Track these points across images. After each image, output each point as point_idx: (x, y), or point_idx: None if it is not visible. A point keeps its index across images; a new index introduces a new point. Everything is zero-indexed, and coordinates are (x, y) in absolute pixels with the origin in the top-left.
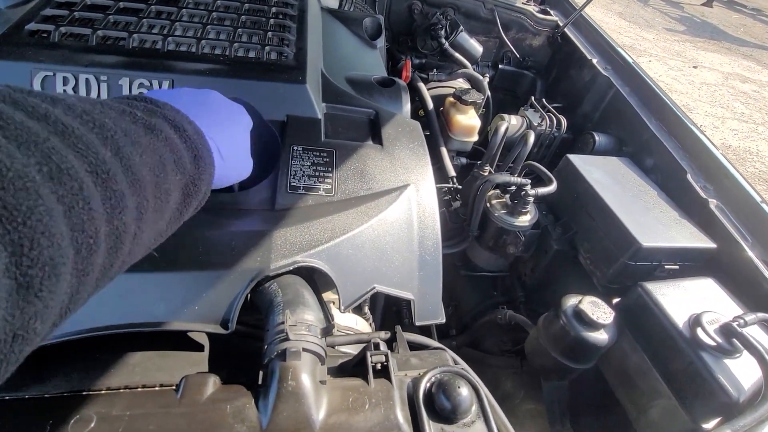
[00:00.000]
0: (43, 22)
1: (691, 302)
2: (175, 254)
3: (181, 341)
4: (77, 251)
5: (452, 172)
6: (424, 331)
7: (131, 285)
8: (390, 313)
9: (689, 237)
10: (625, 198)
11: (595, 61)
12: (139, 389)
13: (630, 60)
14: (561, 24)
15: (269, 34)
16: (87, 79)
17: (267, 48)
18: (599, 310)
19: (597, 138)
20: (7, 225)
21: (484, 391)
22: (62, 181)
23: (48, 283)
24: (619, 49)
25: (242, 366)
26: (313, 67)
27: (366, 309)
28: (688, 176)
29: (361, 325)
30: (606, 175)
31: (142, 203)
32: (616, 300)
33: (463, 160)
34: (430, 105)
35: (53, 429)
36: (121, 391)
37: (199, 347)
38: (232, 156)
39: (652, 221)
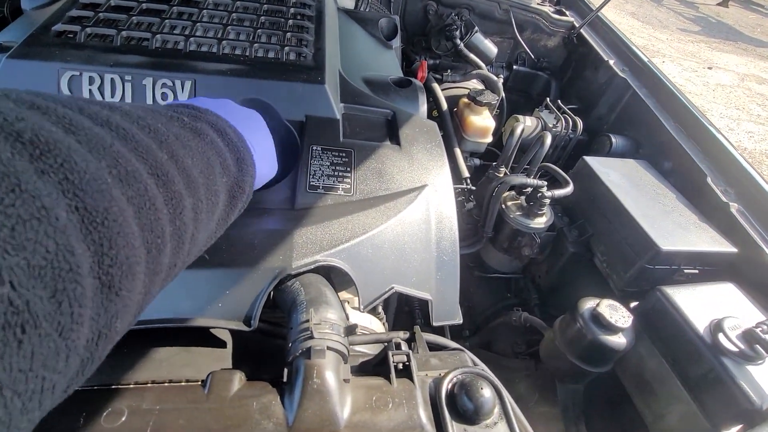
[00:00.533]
0: (70, 23)
1: (711, 307)
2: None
3: (205, 337)
4: (148, 251)
5: (466, 173)
6: (436, 331)
7: None
8: (402, 313)
9: (709, 241)
10: (643, 201)
11: (611, 62)
12: (166, 384)
13: (647, 61)
14: (577, 25)
15: (288, 34)
16: (112, 79)
17: (286, 48)
18: (617, 314)
19: (614, 140)
20: (89, 226)
21: (505, 392)
22: (130, 183)
23: (126, 282)
24: (636, 50)
25: (264, 363)
26: (331, 67)
27: (380, 309)
28: (708, 179)
29: (375, 324)
30: (623, 178)
31: (197, 204)
32: (633, 304)
33: (477, 161)
34: (444, 106)
35: (86, 421)
36: (149, 385)
37: (221, 344)
38: (263, 158)
39: (671, 225)
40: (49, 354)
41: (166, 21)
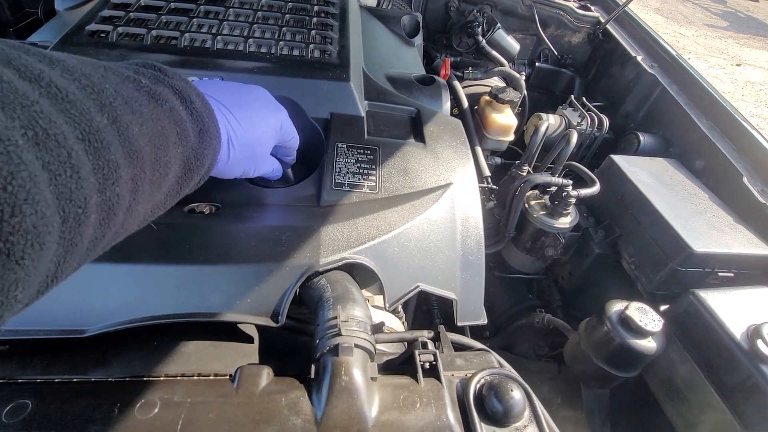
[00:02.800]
0: (102, 23)
1: (748, 312)
2: (229, 247)
3: (232, 332)
4: (64, 220)
5: (487, 172)
6: (457, 332)
7: (188, 277)
8: (420, 312)
9: (746, 243)
10: (674, 201)
11: (639, 58)
12: (196, 377)
13: (677, 56)
14: (602, 20)
15: (313, 32)
16: None
17: (311, 46)
18: (647, 317)
19: (642, 138)
20: None
21: (534, 395)
22: (48, 147)
23: (31, 251)
24: (665, 45)
25: (290, 359)
26: (355, 65)
27: (399, 307)
28: (744, 179)
29: (395, 323)
30: (653, 177)
31: (138, 174)
32: (664, 307)
33: (498, 160)
34: (465, 104)
35: (120, 412)
36: (179, 378)
37: (248, 339)
38: (247, 147)
39: (704, 226)
40: None
41: (194, 20)
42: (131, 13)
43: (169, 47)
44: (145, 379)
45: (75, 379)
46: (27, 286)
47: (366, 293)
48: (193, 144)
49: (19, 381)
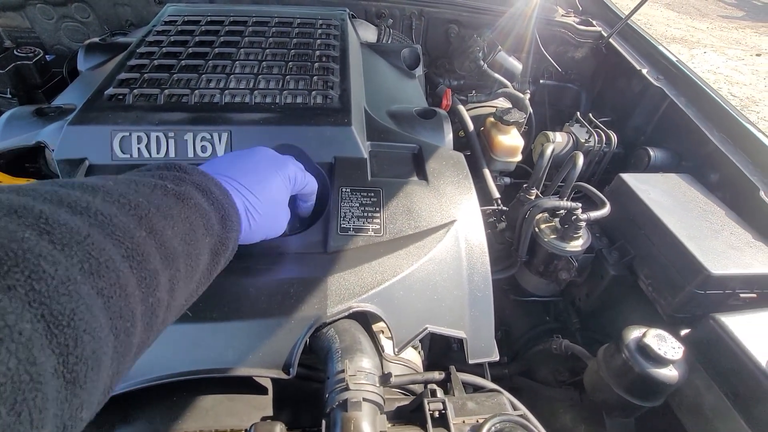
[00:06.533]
0: (119, 86)
1: None
2: (239, 304)
3: (247, 384)
4: (116, 336)
5: (496, 194)
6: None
7: (203, 334)
8: (436, 336)
9: (766, 262)
10: (689, 220)
11: (645, 71)
12: None
13: (684, 68)
14: (605, 34)
15: (315, 78)
16: (157, 136)
17: (313, 93)
18: (666, 345)
19: (652, 153)
20: (54, 329)
21: None
22: (101, 274)
23: (91, 374)
24: (671, 57)
25: (303, 407)
26: (357, 107)
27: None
28: (761, 193)
29: (411, 354)
30: (665, 195)
31: (174, 275)
32: (684, 331)
33: (507, 180)
34: (471, 127)
35: None
36: None
37: (262, 390)
38: (265, 213)
39: (721, 245)
40: None
41: (203, 76)
42: (146, 74)
43: (181, 105)
44: None
45: None
46: (89, 406)
47: (382, 325)
48: (217, 231)
49: None
